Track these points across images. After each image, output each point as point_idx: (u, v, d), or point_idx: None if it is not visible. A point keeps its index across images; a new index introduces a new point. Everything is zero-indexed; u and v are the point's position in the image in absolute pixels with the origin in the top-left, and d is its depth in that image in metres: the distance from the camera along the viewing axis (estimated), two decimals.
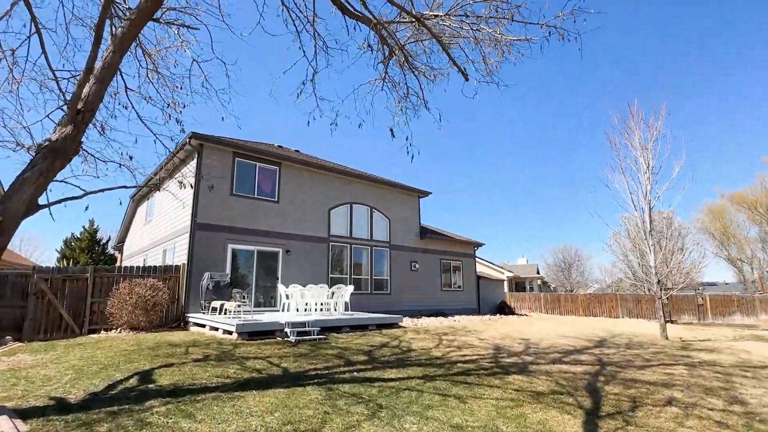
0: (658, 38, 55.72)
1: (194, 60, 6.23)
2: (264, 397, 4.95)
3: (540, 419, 4.62)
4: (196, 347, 8.07)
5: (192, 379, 5.69)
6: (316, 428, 4.08)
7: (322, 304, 12.66)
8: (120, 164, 6.79)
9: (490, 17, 4.92)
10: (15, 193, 4.36)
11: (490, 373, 6.79)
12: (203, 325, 10.68)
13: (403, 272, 18.09)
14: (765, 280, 36.55)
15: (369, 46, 5.37)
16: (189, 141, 12.34)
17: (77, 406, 4.46)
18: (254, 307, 12.77)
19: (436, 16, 4.74)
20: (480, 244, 22.50)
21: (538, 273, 45.16)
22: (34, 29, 6.35)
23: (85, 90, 4.99)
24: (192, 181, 11.73)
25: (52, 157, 4.65)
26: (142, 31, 6.17)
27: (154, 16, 6.10)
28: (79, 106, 4.93)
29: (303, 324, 9.91)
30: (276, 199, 14.50)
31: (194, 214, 12.37)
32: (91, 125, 5.81)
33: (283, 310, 13.03)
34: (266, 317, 11.02)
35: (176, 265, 12.30)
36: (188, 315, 11.64)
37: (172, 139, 6.37)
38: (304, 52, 5.40)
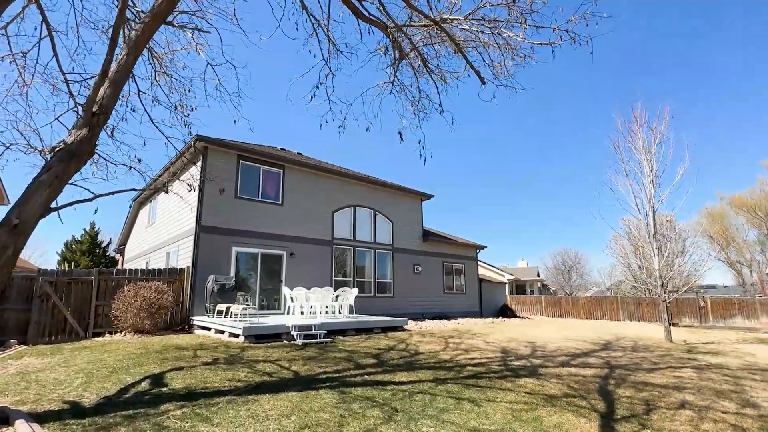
0: (659, 43, 56.07)
1: (209, 63, 6.26)
2: (278, 401, 4.93)
3: (556, 422, 4.61)
4: (203, 350, 8.04)
5: (204, 382, 5.67)
6: None
7: (327, 307, 12.63)
8: (130, 167, 6.79)
9: (508, 21, 4.94)
10: (31, 196, 4.36)
11: (501, 376, 6.78)
12: (208, 328, 10.64)
13: (406, 275, 18.08)
14: (765, 282, 36.65)
15: (387, 48, 5.39)
16: (194, 143, 12.33)
17: (92, 410, 4.44)
18: (258, 310, 12.73)
19: (454, 19, 4.77)
20: (482, 247, 22.52)
21: (538, 276, 45.20)
22: (45, 32, 6.39)
23: (100, 93, 4.99)
24: (198, 183, 11.71)
25: (67, 160, 4.65)
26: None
27: (167, 20, 6.14)
28: (94, 109, 4.93)
29: (309, 327, 9.89)
30: (280, 202, 14.50)
31: (199, 217, 12.35)
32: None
33: (288, 313, 13.00)
34: (271, 320, 10.99)
35: (180, 268, 12.27)
36: (193, 318, 11.60)
37: (184, 142, 6.35)
38: (322, 55, 5.41)
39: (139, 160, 7.10)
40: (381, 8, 4.81)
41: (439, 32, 6.29)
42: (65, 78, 6.64)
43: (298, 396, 5.16)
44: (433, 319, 17.47)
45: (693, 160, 13.24)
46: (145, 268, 14.12)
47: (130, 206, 20.08)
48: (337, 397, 5.20)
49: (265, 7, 6.45)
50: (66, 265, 21.87)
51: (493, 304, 23.67)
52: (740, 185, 66.17)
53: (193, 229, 12.43)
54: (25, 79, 6.78)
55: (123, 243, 22.19)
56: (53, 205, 4.85)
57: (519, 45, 5.33)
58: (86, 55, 7.00)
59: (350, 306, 13.24)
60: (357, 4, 5.08)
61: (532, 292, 42.43)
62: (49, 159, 5.60)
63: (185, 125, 7.60)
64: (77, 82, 6.79)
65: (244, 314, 10.56)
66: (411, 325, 14.00)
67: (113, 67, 5.13)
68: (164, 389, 5.31)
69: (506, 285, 29.20)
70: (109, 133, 6.98)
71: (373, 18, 5.50)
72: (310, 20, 5.25)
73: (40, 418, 4.13)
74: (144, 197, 18.34)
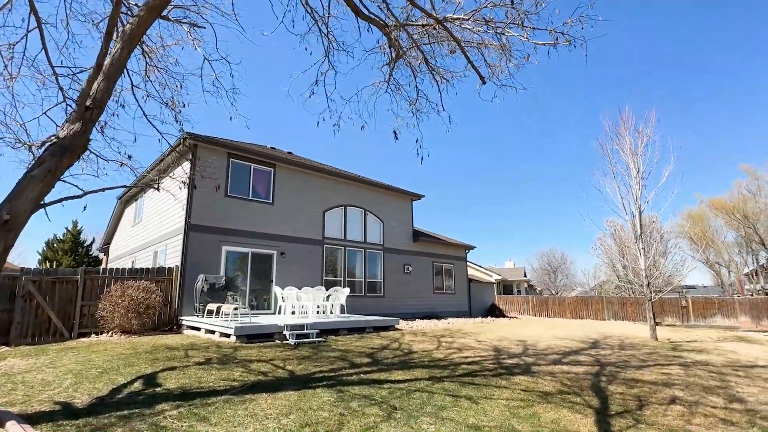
0: (643, 47, 57.31)
1: (206, 59, 6.17)
2: (276, 400, 4.89)
3: (553, 418, 4.67)
4: (195, 350, 7.92)
5: (199, 382, 5.58)
6: (334, 430, 4.05)
7: (318, 306, 12.57)
8: (122, 163, 6.66)
9: (505, 23, 4.99)
10: (22, 191, 4.23)
11: (495, 374, 6.84)
12: (198, 328, 10.48)
13: (396, 275, 18.10)
14: (743, 283, 37.76)
15: (390, 47, 5.38)
16: (183, 141, 12.14)
17: (85, 411, 4.34)
18: (249, 310, 12.59)
19: (456, 18, 4.81)
20: (471, 247, 22.68)
21: (525, 276, 45.72)
22: (33, 23, 6.21)
23: (94, 86, 4.88)
24: (188, 181, 11.53)
25: (60, 155, 4.53)
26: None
27: (162, 14, 6.03)
28: (87, 103, 4.81)
29: (302, 327, 9.82)
30: (270, 201, 14.37)
31: (188, 215, 12.16)
32: None
33: (278, 313, 12.90)
34: (262, 320, 10.88)
35: (169, 267, 12.06)
36: (182, 318, 11.41)
37: (177, 139, 6.24)
38: (326, 52, 5.38)
39: (129, 157, 6.97)
40: (384, 5, 4.81)
41: (435, 32, 6.33)
42: (54, 71, 6.46)
43: (295, 395, 5.12)
44: (423, 318, 17.53)
45: (678, 161, 13.54)
46: (130, 267, 13.86)
47: (116, 204, 19.67)
48: (335, 395, 5.18)
49: (260, 4, 6.41)
50: (47, 264, 21.30)
51: (482, 304, 23.86)
52: (719, 188, 68.00)
53: (182, 227, 12.23)
54: (12, 71, 6.59)
55: (107, 242, 21.71)
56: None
57: (511, 45, 5.38)
58: (76, 49, 6.79)
59: (342, 306, 13.20)
60: (357, 2, 5.07)
61: (519, 292, 42.91)
62: (37, 154, 5.47)
63: (177, 122, 7.49)
64: (66, 75, 6.62)
65: (235, 314, 10.43)
66: (402, 324, 14.02)
67: (107, 60, 5.02)
68: (158, 389, 5.21)
69: (494, 285, 29.46)
70: (99, 128, 6.84)
71: (372, 16, 5.50)
72: (313, 17, 5.21)
73: (31, 419, 4.02)
74: (130, 195, 17.99)
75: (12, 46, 6.39)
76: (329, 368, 6.79)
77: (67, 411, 4.32)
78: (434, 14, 4.58)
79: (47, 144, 4.76)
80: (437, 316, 18.59)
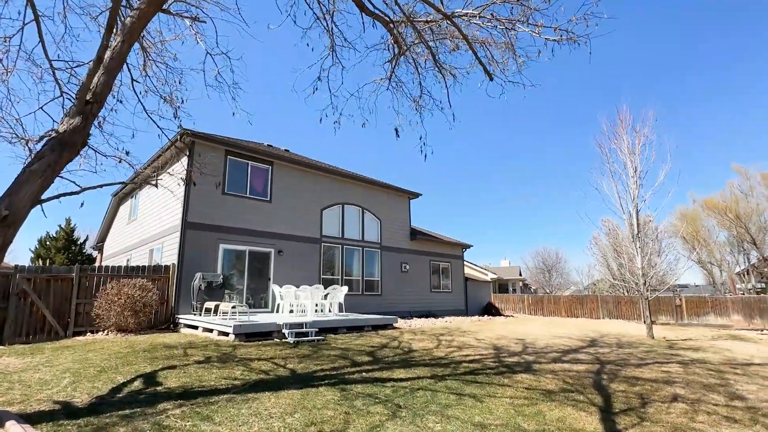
0: (641, 46, 57.70)
1: (208, 53, 6.08)
2: (279, 399, 4.84)
3: (558, 416, 4.67)
4: (193, 349, 7.84)
5: (200, 381, 5.51)
6: (340, 429, 4.01)
7: (317, 305, 12.51)
8: (120, 159, 6.55)
9: (510, 20, 4.97)
10: (22, 186, 4.14)
11: (497, 372, 6.84)
12: (195, 327, 10.39)
13: (393, 273, 18.08)
14: (735, 282, 38.19)
15: (396, 43, 5.33)
16: (180, 138, 12.01)
17: (86, 410, 4.26)
18: (247, 308, 12.50)
19: (465, 14, 4.77)
20: (468, 246, 22.71)
21: (520, 275, 45.90)
22: (30, 16, 6.09)
23: (94, 80, 4.79)
24: (185, 178, 11.41)
25: (60, 150, 4.44)
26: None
27: (163, 7, 5.93)
28: (87, 97, 4.72)
29: (300, 325, 9.77)
30: (268, 199, 14.27)
31: (185, 213, 12.04)
32: None
33: (276, 311, 12.82)
34: (261, 318, 10.81)
35: (166, 265, 11.94)
36: (178, 316, 11.31)
37: (176, 135, 6.15)
38: (333, 46, 5.32)
39: (127, 153, 6.87)
40: (394, 1, 4.76)
41: (438, 28, 6.29)
42: (51, 65, 6.34)
43: (299, 393, 5.07)
44: (420, 317, 17.53)
45: (674, 160, 13.64)
46: (126, 265, 13.70)
47: (110, 201, 19.45)
48: (339, 394, 5.14)
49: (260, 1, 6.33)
50: (40, 262, 21.03)
51: (478, 303, 23.91)
52: (712, 188, 68.58)
53: (179, 225, 12.11)
54: (7, 65, 6.46)
55: (101, 240, 21.47)
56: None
57: (516, 42, 5.35)
58: (73, 42, 6.68)
59: (340, 304, 13.15)
60: None
61: (514, 290, 43.07)
62: (34, 149, 5.37)
63: (176, 117, 7.39)
64: (64, 69, 6.51)
65: (233, 312, 10.35)
66: (400, 323, 14.00)
67: (107, 54, 4.92)
68: (159, 388, 5.14)
69: (490, 284, 29.54)
70: (98, 124, 6.73)
71: (376, 12, 5.45)
72: (321, 9, 5.15)
73: (31, 419, 3.94)
74: (125, 192, 17.80)
75: (8, 39, 6.26)
76: (330, 367, 6.75)
77: (68, 410, 4.24)
78: (442, 9, 4.54)
79: (46, 139, 4.68)
80: (434, 315, 18.60)
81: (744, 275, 38.01)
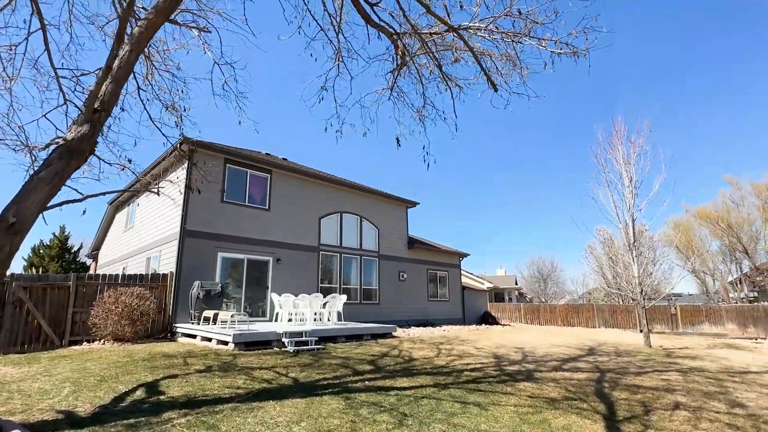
0: (640, 47, 58.64)
1: (216, 62, 6.13)
2: (284, 407, 4.82)
3: (563, 425, 4.68)
4: (193, 358, 7.77)
5: (203, 390, 5.47)
6: None
7: (316, 313, 12.46)
8: (123, 167, 6.56)
9: (514, 34, 5.10)
10: (30, 194, 4.14)
11: (500, 380, 6.85)
12: (194, 336, 10.30)
13: (391, 282, 18.07)
14: (729, 291, 38.49)
15: (404, 54, 5.43)
16: (180, 145, 11.99)
17: (90, 420, 4.22)
18: (246, 317, 12.42)
19: (471, 27, 4.89)
20: (465, 255, 22.77)
21: (516, 284, 46.00)
22: (36, 25, 6.13)
23: (102, 88, 4.82)
24: (185, 187, 11.41)
25: (68, 157, 4.45)
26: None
27: (170, 18, 6.00)
28: (95, 105, 4.75)
29: (300, 334, 9.73)
30: (267, 207, 14.27)
31: (184, 221, 12.00)
32: None
33: (275, 320, 12.75)
34: (260, 327, 10.74)
35: (163, 274, 11.86)
36: (176, 325, 11.21)
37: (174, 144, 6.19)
38: (340, 56, 5.41)
39: (130, 161, 6.88)
40: (400, 12, 4.87)
41: (441, 40, 6.41)
42: (56, 73, 6.37)
43: (303, 402, 5.05)
44: (418, 326, 17.49)
45: (669, 170, 13.83)
46: (122, 273, 13.58)
47: (106, 209, 19.33)
48: (343, 402, 5.12)
49: (264, 9, 6.43)
50: (33, 270, 20.77)
51: (475, 312, 23.90)
52: (705, 196, 69.31)
53: (177, 233, 12.06)
54: (12, 73, 6.48)
55: (96, 248, 21.27)
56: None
57: (520, 55, 5.48)
58: (78, 51, 6.72)
59: (339, 313, 13.10)
60: (368, 9, 5.12)
61: (510, 299, 43.12)
62: (38, 156, 5.38)
63: (177, 126, 7.42)
64: (69, 78, 6.54)
65: (233, 321, 10.29)
66: (398, 331, 13.96)
67: (115, 63, 4.97)
68: (162, 397, 5.10)
69: (487, 293, 29.57)
70: (101, 132, 6.74)
71: (381, 24, 5.55)
72: (330, 21, 5.25)
73: (34, 429, 3.90)
74: (121, 200, 17.71)
75: (14, 48, 6.29)
76: (332, 375, 6.72)
77: (71, 420, 4.20)
78: (449, 22, 4.65)
79: (52, 146, 4.69)
80: (432, 324, 18.57)
81: (737, 284, 38.37)
